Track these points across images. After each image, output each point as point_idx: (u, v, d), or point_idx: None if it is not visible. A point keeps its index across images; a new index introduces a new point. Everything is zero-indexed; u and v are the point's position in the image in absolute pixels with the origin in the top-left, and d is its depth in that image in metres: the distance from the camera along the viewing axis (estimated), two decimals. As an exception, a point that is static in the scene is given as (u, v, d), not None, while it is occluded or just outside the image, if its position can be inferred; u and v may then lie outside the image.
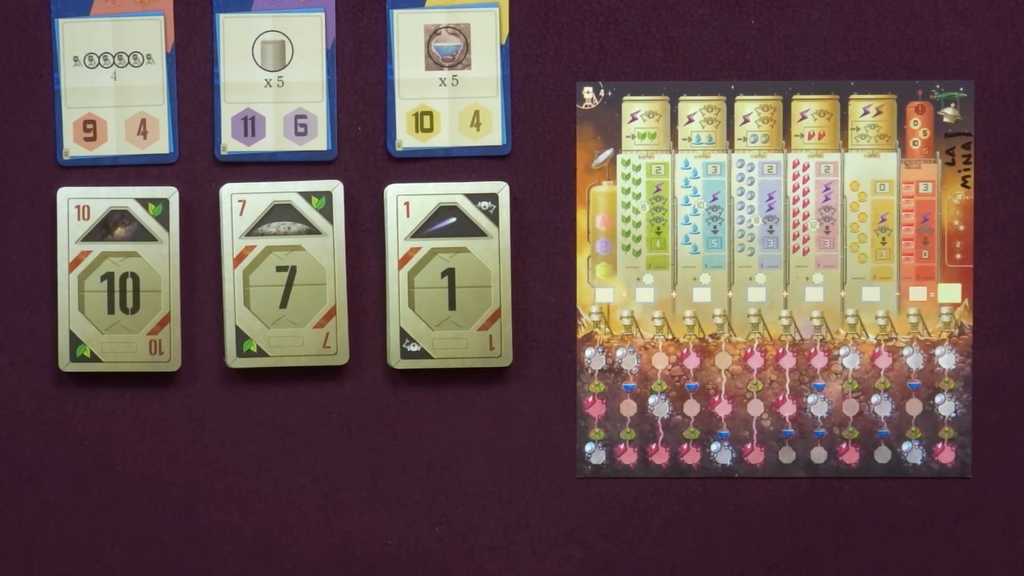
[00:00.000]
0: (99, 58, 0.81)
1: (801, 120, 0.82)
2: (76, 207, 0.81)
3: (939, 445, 0.83)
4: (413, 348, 0.81)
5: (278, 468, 0.83)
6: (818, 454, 0.83)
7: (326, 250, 0.81)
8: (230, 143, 0.82)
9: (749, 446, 0.83)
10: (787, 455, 0.83)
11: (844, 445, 0.83)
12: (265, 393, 0.83)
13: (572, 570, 0.84)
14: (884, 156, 0.83)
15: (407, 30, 0.82)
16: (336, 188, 0.81)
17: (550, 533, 0.83)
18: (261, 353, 0.81)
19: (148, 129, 0.82)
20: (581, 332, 0.83)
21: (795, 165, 0.83)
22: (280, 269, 0.81)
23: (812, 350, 0.83)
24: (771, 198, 0.83)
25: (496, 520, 0.83)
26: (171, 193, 0.81)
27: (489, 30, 0.82)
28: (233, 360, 0.81)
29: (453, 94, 0.82)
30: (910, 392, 0.83)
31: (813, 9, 0.82)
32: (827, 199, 0.83)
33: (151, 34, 0.81)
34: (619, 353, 0.83)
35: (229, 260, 0.81)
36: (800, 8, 0.82)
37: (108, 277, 0.81)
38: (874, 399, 0.83)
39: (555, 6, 0.82)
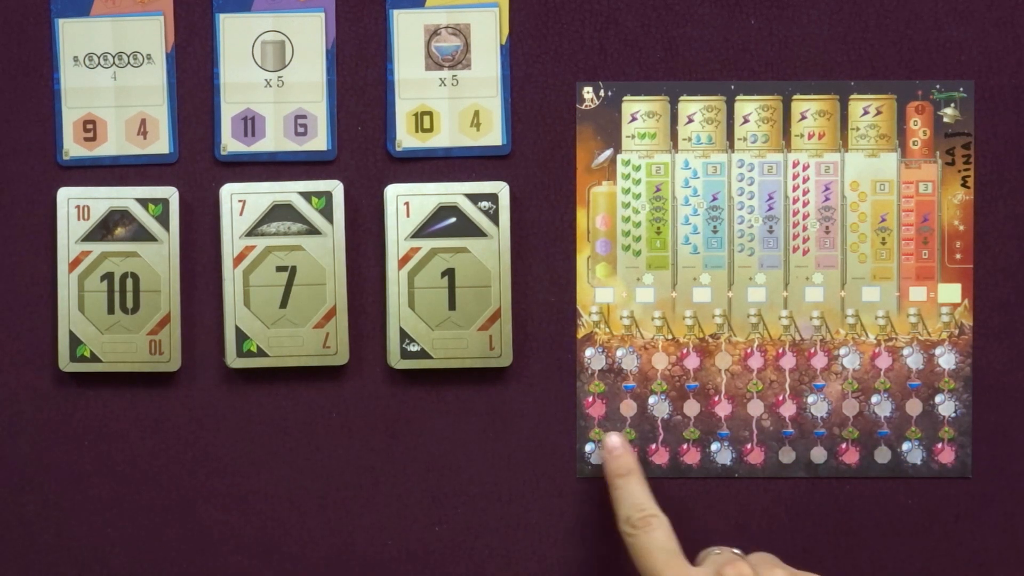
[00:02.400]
0: (99, 58, 0.81)
1: (801, 120, 0.82)
2: (76, 207, 0.81)
3: (939, 445, 0.83)
4: (413, 348, 0.81)
5: (278, 468, 0.83)
6: (818, 454, 0.83)
7: (326, 250, 0.81)
8: (230, 143, 0.82)
9: (749, 446, 0.83)
10: (787, 455, 0.83)
11: (844, 445, 0.83)
12: (265, 393, 0.83)
13: (572, 570, 0.84)
14: (884, 156, 0.83)
15: (407, 30, 0.82)
16: (336, 188, 0.81)
17: (550, 533, 0.83)
18: (261, 353, 0.81)
19: (148, 129, 0.82)
20: (581, 332, 0.83)
21: (795, 165, 0.83)
22: (280, 269, 0.81)
23: (812, 350, 0.83)
24: (771, 198, 0.83)
25: (496, 520, 0.83)
26: (171, 193, 0.81)
27: (489, 30, 0.82)
28: (233, 360, 0.81)
29: (453, 94, 0.82)
30: (910, 392, 0.83)
31: (813, 9, 0.82)
32: (827, 199, 0.83)
33: (151, 34, 0.81)
34: (619, 353, 0.83)
35: (229, 260, 0.81)
36: (800, 8, 0.82)
37: (108, 277, 0.81)
38: (874, 399, 0.83)
39: (555, 6, 0.82)
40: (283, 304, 0.81)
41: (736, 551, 0.76)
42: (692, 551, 0.83)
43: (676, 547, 0.75)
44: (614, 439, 0.80)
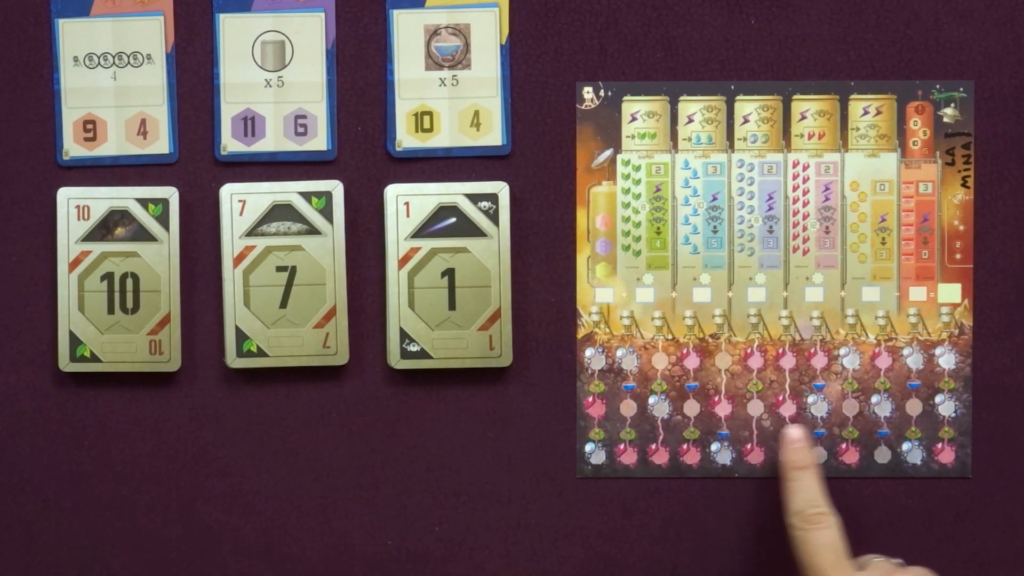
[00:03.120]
0: (99, 58, 0.81)
1: (801, 120, 0.82)
2: (76, 207, 0.81)
3: (939, 445, 0.83)
4: (413, 348, 0.81)
5: (278, 468, 0.83)
6: (818, 454, 0.83)
7: (326, 250, 0.81)
8: (230, 143, 0.82)
9: (749, 446, 0.83)
10: (787, 455, 0.83)
11: (844, 445, 0.83)
12: (265, 393, 0.83)
13: (572, 570, 0.84)
14: (884, 156, 0.83)
15: (407, 30, 0.82)
16: (336, 188, 0.81)
17: (550, 533, 0.83)
18: (261, 353, 0.81)
19: (148, 129, 0.82)
20: (581, 332, 0.83)
21: (795, 165, 0.83)
22: (280, 269, 0.81)
23: (812, 350, 0.83)
24: (771, 198, 0.83)
25: (496, 520, 0.83)
26: (171, 193, 0.81)
27: (489, 30, 0.82)
28: (233, 360, 0.81)
29: (453, 94, 0.82)
30: (910, 392, 0.83)
31: (813, 9, 0.82)
32: (827, 199, 0.83)
33: (151, 34, 0.81)
34: (619, 353, 0.83)
35: (229, 260, 0.81)
36: (800, 8, 0.82)
37: (108, 277, 0.81)
38: (874, 399, 0.83)
39: (555, 6, 0.82)
40: (283, 304, 0.81)
41: (897, 561, 0.77)
42: (692, 550, 0.84)
43: (844, 549, 0.75)
44: (796, 431, 0.80)
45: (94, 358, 0.81)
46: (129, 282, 0.81)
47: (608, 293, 0.83)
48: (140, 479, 0.83)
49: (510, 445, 0.83)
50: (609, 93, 0.82)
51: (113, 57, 0.81)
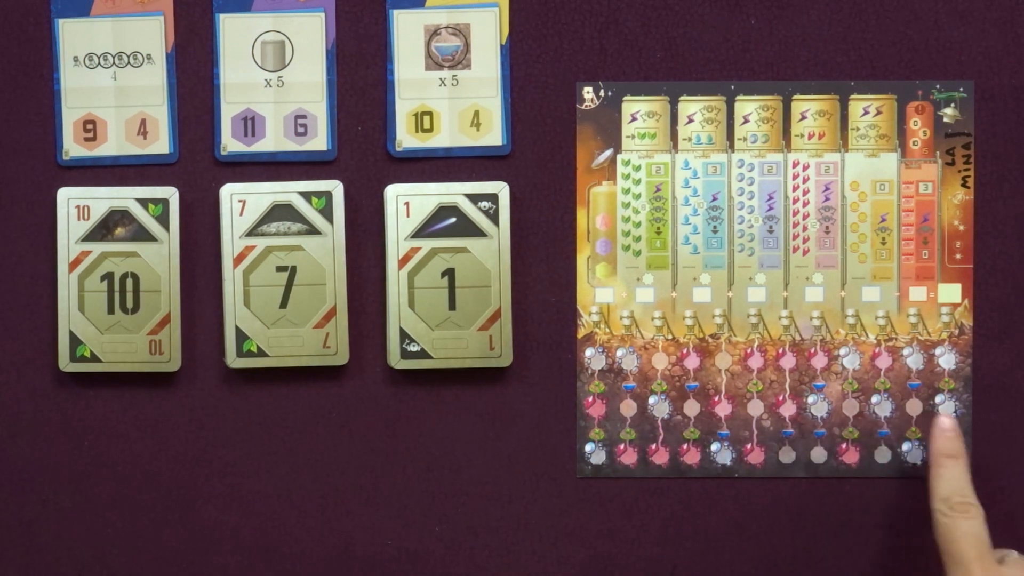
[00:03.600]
0: (99, 58, 0.81)
1: (801, 120, 0.82)
2: (76, 207, 0.81)
3: (939, 445, 0.83)
4: (413, 348, 0.81)
5: (278, 468, 0.83)
6: (818, 454, 0.83)
7: (326, 250, 0.81)
8: (230, 143, 0.82)
9: (749, 446, 0.83)
10: (787, 455, 0.83)
11: (844, 445, 0.83)
12: (265, 393, 0.83)
13: (572, 570, 0.84)
14: (884, 156, 0.83)
15: (407, 30, 0.82)
16: (336, 188, 0.81)
17: (550, 533, 0.83)
18: (261, 353, 0.81)
19: (148, 129, 0.82)
20: (581, 332, 0.83)
21: (795, 165, 0.83)
22: (280, 269, 0.81)
23: (812, 350, 0.83)
24: (771, 198, 0.83)
25: (496, 520, 0.83)
26: (171, 193, 0.81)
27: (489, 30, 0.82)
28: (233, 360, 0.81)
29: (453, 94, 0.82)
30: (910, 392, 0.83)
31: (813, 9, 0.82)
32: (827, 199, 0.83)
33: (151, 34, 0.82)
34: (619, 353, 0.83)
35: (229, 260, 0.81)
36: (800, 8, 0.82)
37: (108, 277, 0.81)
38: (874, 399, 0.83)
39: (555, 6, 0.82)
40: (283, 304, 0.81)
41: None
42: (692, 550, 0.84)
43: (988, 541, 0.75)
44: (948, 420, 0.80)
45: (94, 358, 0.81)
46: (129, 282, 0.81)
47: (608, 293, 0.83)
48: (140, 479, 0.83)
49: (510, 445, 0.83)
50: (609, 93, 0.82)
51: (113, 57, 0.81)
